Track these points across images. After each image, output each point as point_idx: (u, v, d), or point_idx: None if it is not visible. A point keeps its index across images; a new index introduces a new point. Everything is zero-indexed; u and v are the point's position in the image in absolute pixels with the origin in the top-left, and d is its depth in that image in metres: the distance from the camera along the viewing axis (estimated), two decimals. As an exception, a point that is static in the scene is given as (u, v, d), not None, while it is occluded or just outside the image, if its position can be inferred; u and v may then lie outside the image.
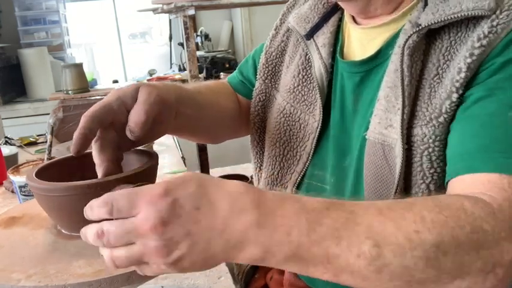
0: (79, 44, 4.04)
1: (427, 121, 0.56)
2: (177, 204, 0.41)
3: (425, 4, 0.59)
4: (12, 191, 1.16)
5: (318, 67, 0.72)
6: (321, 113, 0.71)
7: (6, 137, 1.68)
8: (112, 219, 0.42)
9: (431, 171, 0.57)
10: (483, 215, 0.43)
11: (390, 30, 0.64)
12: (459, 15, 0.54)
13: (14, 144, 1.63)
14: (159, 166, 0.61)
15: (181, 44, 3.39)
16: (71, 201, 0.51)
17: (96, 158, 0.56)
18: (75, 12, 3.96)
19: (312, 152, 0.73)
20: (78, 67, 2.86)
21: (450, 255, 0.41)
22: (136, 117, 0.57)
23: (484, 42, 0.53)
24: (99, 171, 0.56)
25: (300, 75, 0.75)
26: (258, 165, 0.84)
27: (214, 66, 3.36)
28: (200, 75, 3.05)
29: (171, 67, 3.96)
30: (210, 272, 0.75)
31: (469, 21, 0.56)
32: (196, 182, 0.43)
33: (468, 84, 0.54)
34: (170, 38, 3.80)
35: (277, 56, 0.81)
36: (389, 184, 0.59)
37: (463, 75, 0.53)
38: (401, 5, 0.64)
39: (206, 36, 3.67)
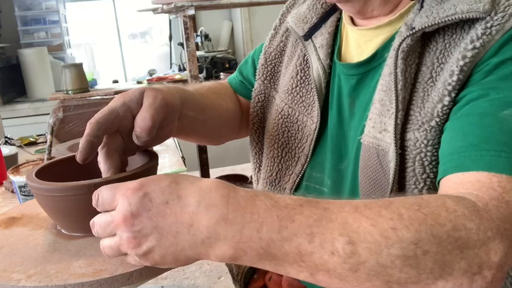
0: (79, 44, 4.04)
1: (419, 125, 0.56)
2: (147, 198, 0.42)
3: (422, 6, 0.58)
4: (12, 191, 1.16)
5: (316, 68, 0.71)
6: (319, 114, 0.71)
7: (6, 137, 1.68)
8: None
9: (423, 176, 0.56)
10: (467, 213, 0.41)
11: (387, 32, 0.64)
12: (453, 17, 0.54)
13: (14, 144, 1.63)
14: (159, 166, 0.61)
15: (181, 44, 3.39)
16: (70, 201, 0.52)
17: (103, 164, 0.56)
18: (75, 12, 3.95)
19: (310, 153, 0.73)
20: (78, 67, 2.86)
21: (430, 254, 0.39)
22: (142, 122, 0.56)
23: (477, 44, 0.52)
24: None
25: (298, 76, 0.75)
26: (257, 165, 0.84)
27: (214, 66, 3.37)
28: (200, 75, 3.05)
29: (171, 67, 3.96)
30: (210, 272, 0.75)
31: (464, 24, 0.55)
32: (170, 178, 0.44)
33: (461, 87, 0.53)
34: (170, 38, 3.80)
35: (276, 56, 0.81)
36: (383, 188, 0.58)
37: (455, 78, 0.53)
38: (398, 6, 0.63)
39: (206, 36, 3.67)
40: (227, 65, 3.40)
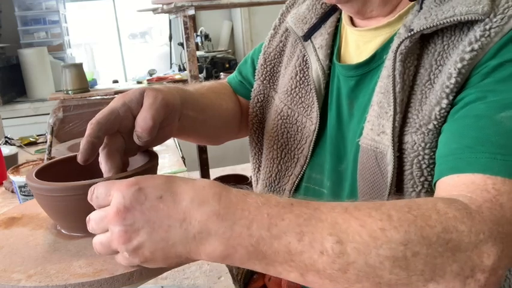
0: (79, 44, 4.04)
1: (416, 128, 0.55)
2: (142, 193, 0.43)
3: (421, 8, 0.58)
4: (12, 191, 1.16)
5: (315, 69, 0.71)
6: (318, 115, 0.71)
7: (6, 137, 1.68)
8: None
9: (421, 180, 0.56)
10: (458, 215, 0.41)
11: (386, 33, 0.63)
12: (452, 19, 0.53)
13: (14, 144, 1.63)
14: (159, 166, 0.61)
15: (181, 44, 3.39)
16: (70, 201, 0.52)
17: (104, 165, 0.56)
18: (75, 12, 3.95)
19: (309, 155, 0.73)
20: (78, 67, 2.87)
21: (420, 255, 0.39)
22: (143, 122, 0.56)
23: (476, 46, 0.51)
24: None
25: (298, 76, 0.74)
26: (257, 166, 0.84)
27: (214, 66, 3.37)
28: (200, 75, 3.05)
29: (171, 67, 3.97)
30: (210, 272, 0.75)
31: (463, 26, 0.55)
32: (165, 177, 0.45)
33: (459, 89, 0.53)
34: (170, 38, 3.80)
35: (276, 56, 0.81)
36: (382, 191, 0.58)
37: (453, 80, 0.52)
38: (398, 7, 0.63)
39: (206, 36, 3.67)
40: (227, 65, 3.40)
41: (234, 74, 0.90)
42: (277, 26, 0.83)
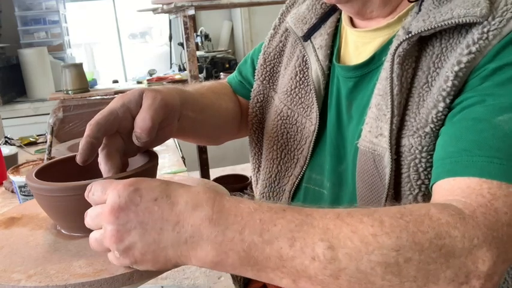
0: (79, 44, 4.04)
1: (413, 131, 0.55)
2: (137, 193, 0.43)
3: (419, 10, 0.58)
4: (12, 191, 1.16)
5: (315, 69, 0.71)
6: (318, 116, 0.71)
7: (6, 137, 1.68)
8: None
9: (418, 183, 0.55)
10: (451, 220, 0.40)
11: (385, 35, 0.63)
12: (450, 22, 0.53)
13: (14, 144, 1.63)
14: (159, 166, 0.61)
15: (181, 44, 3.39)
16: (71, 201, 0.52)
17: (103, 165, 0.56)
18: (75, 12, 3.95)
19: (309, 155, 0.72)
20: (78, 67, 2.87)
21: (413, 261, 0.38)
22: (142, 123, 0.56)
23: (473, 49, 0.51)
24: None
25: (297, 77, 0.74)
26: (256, 166, 0.84)
27: (214, 66, 3.37)
28: (200, 75, 3.05)
29: (171, 67, 3.97)
30: (210, 272, 0.75)
31: (461, 28, 0.54)
32: (162, 180, 0.45)
33: (457, 93, 0.52)
34: (170, 38, 3.80)
35: (276, 56, 0.80)
36: (380, 193, 0.58)
37: (450, 83, 0.52)
38: (398, 9, 0.62)
39: (206, 36, 3.67)
40: (227, 65, 3.40)
41: (234, 74, 0.90)
42: (277, 26, 0.83)
